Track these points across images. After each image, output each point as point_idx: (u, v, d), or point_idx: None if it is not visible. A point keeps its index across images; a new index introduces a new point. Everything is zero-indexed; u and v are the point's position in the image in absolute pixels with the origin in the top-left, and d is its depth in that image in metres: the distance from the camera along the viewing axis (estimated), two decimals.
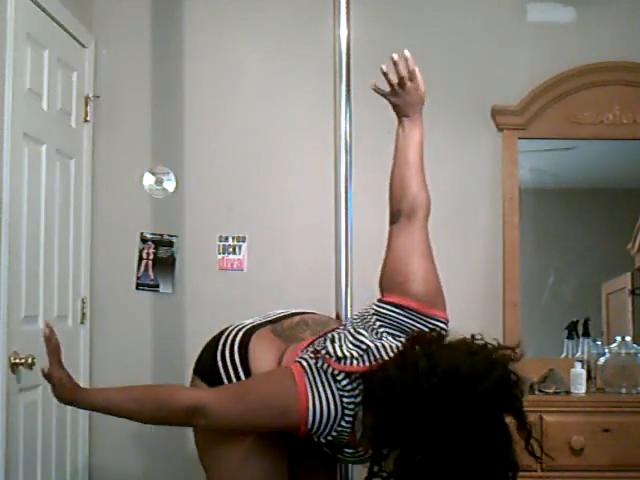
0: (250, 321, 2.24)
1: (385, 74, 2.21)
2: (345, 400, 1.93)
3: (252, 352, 2.13)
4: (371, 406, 1.90)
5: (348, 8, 2.57)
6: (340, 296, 2.45)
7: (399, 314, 2.05)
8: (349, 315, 2.42)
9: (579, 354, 3.52)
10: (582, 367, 3.30)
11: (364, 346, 1.97)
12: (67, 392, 2.02)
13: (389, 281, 2.13)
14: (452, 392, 1.78)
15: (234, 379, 2.10)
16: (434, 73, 3.65)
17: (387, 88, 2.25)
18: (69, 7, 3.30)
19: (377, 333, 2.02)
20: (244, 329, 2.19)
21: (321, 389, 1.94)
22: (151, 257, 3.59)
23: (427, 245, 2.19)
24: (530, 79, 3.60)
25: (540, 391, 3.23)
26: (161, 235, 3.60)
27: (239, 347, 2.14)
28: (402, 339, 1.99)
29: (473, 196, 3.63)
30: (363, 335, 2.00)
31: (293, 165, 3.62)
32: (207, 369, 2.16)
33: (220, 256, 3.59)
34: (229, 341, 2.16)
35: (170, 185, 3.61)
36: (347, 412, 1.93)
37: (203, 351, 2.23)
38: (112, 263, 3.60)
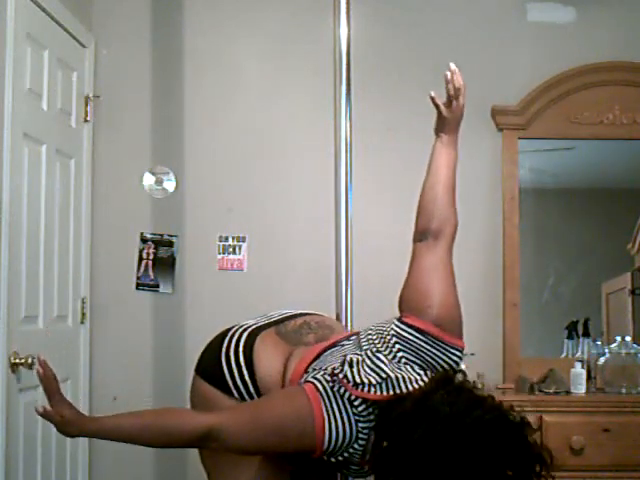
0: (253, 322, 2.22)
1: (447, 82, 2.18)
2: (360, 425, 1.92)
3: (257, 353, 2.11)
4: (382, 435, 1.89)
5: (348, 8, 2.58)
6: (340, 296, 2.46)
7: (419, 339, 2.01)
8: (349, 315, 2.42)
9: (579, 354, 3.52)
10: (582, 367, 3.30)
11: (384, 375, 1.93)
12: (72, 427, 1.94)
13: (410, 301, 2.09)
14: (466, 445, 1.76)
15: (238, 380, 2.09)
16: (434, 73, 3.65)
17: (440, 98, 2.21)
18: (69, 7, 3.30)
19: (395, 357, 1.99)
20: (249, 329, 2.17)
21: (337, 413, 1.92)
22: (151, 257, 3.59)
23: (451, 269, 2.12)
24: (530, 79, 3.60)
25: (540, 391, 3.23)
26: (161, 235, 3.60)
27: (244, 348, 2.12)
28: (422, 373, 1.96)
29: (473, 196, 3.63)
30: (382, 362, 1.96)
31: (293, 165, 3.62)
32: (210, 369, 2.14)
33: (220, 256, 3.59)
34: (234, 341, 2.15)
35: (170, 185, 3.61)
36: (361, 436, 1.92)
37: (205, 350, 2.22)
38: (112, 263, 3.60)
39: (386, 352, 1.99)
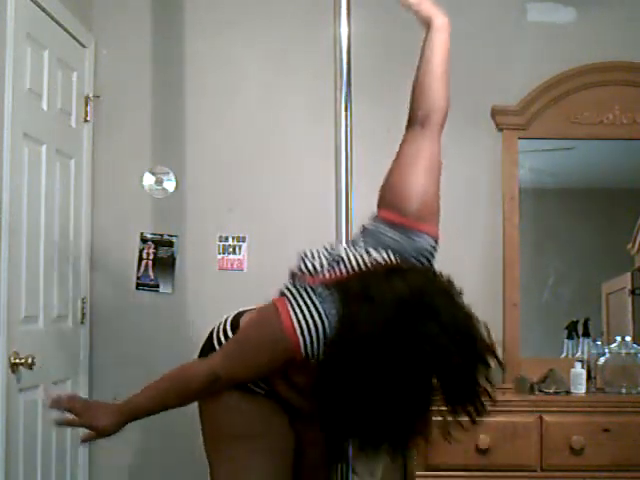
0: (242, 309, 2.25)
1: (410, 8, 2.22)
2: (325, 306, 1.89)
3: (243, 318, 2.14)
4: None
5: (349, 8, 2.58)
6: None
7: (383, 229, 2.01)
8: None
9: (579, 354, 3.52)
10: (582, 367, 3.30)
11: (338, 257, 1.94)
12: (111, 422, 2.09)
13: (384, 193, 2.08)
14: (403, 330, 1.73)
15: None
16: None
17: None
18: (69, 7, 3.30)
19: (358, 245, 1.99)
20: (236, 312, 2.20)
21: (302, 305, 1.90)
22: (151, 257, 3.59)
23: (434, 160, 2.10)
24: (530, 79, 3.60)
25: (540, 391, 3.23)
26: (161, 235, 3.60)
27: (232, 324, 2.14)
28: (384, 254, 1.94)
29: (473, 196, 3.63)
30: (340, 250, 1.97)
31: (293, 165, 3.62)
32: (205, 352, 2.15)
33: (220, 256, 3.59)
34: (222, 323, 2.17)
35: (170, 185, 3.61)
36: (331, 319, 1.87)
37: (202, 346, 2.23)
38: (112, 263, 3.60)
39: (349, 245, 2.01)
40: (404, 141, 2.14)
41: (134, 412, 2.13)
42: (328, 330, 1.87)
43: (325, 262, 1.95)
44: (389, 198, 2.06)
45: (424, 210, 2.04)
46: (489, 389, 1.83)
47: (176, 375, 2.08)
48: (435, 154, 2.13)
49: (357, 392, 1.77)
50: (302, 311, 1.90)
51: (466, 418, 1.87)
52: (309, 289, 1.93)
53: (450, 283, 1.87)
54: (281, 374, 2.02)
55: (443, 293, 1.82)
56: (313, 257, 1.98)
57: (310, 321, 1.89)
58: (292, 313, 1.91)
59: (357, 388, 1.77)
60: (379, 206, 2.08)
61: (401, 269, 1.90)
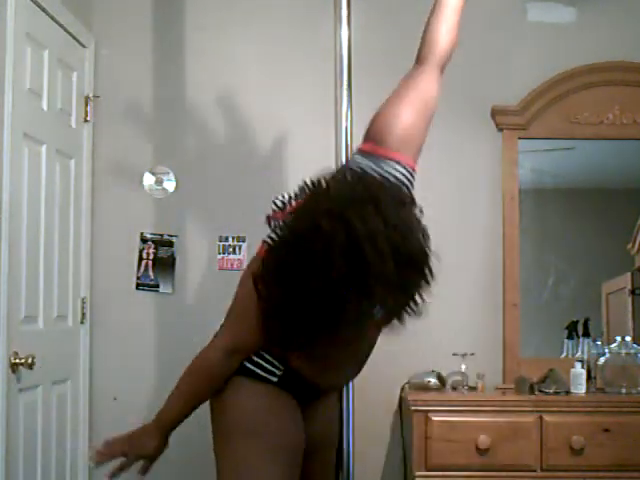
0: None
1: None
2: None
3: None
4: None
5: (349, 9, 2.58)
6: None
7: (356, 159, 2.00)
8: None
9: (579, 354, 3.52)
10: (582, 367, 3.29)
11: (303, 186, 1.94)
12: (157, 442, 2.16)
13: (370, 126, 2.05)
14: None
15: None
16: None
17: None
18: (69, 7, 3.30)
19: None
20: None
21: (274, 237, 1.88)
22: (151, 257, 3.59)
23: (427, 98, 2.07)
24: (530, 79, 3.60)
25: (540, 391, 3.23)
26: (161, 235, 3.60)
27: None
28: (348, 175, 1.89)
29: (473, 196, 3.63)
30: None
31: (294, 165, 3.61)
32: None
33: (220, 256, 3.59)
34: None
35: (170, 185, 3.61)
36: None
37: None
38: (112, 263, 3.60)
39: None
40: (403, 78, 2.13)
41: (172, 421, 2.14)
42: None
43: (292, 194, 1.98)
44: (372, 130, 2.03)
45: (403, 142, 2.00)
46: (421, 293, 1.82)
47: (195, 369, 2.08)
48: (429, 92, 2.10)
49: (297, 281, 1.72)
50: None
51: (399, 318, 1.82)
52: (279, 224, 1.91)
53: (404, 194, 1.87)
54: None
55: (393, 197, 1.79)
56: (283, 196, 2.02)
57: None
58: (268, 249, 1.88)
59: (296, 277, 1.72)
60: (363, 139, 2.06)
61: (360, 176, 1.88)
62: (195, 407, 2.12)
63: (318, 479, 2.30)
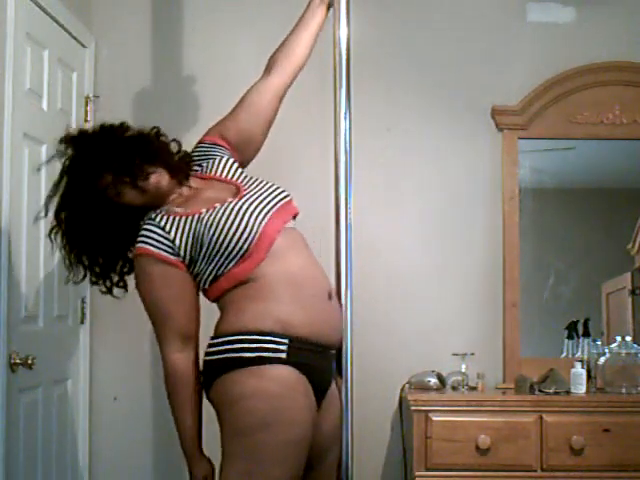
0: None
1: None
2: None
3: None
4: None
5: (348, 8, 2.58)
6: (340, 298, 2.45)
7: None
8: (349, 316, 2.42)
9: (579, 354, 3.53)
10: (582, 367, 3.29)
11: None
12: (195, 468, 2.28)
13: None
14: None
15: None
16: (434, 73, 3.66)
17: None
18: (69, 7, 3.30)
19: None
20: None
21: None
22: None
23: (265, 105, 2.63)
24: (530, 79, 3.60)
25: (540, 391, 3.23)
26: None
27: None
28: None
29: (473, 196, 3.63)
30: None
31: (293, 165, 3.61)
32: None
33: None
34: None
35: None
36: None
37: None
38: None
39: None
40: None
41: (192, 438, 2.27)
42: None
43: None
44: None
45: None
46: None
47: (171, 382, 2.26)
48: (269, 102, 2.63)
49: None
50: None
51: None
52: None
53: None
54: None
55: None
56: None
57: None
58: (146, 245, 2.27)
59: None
60: None
61: None
62: (200, 412, 2.23)
63: (329, 475, 2.35)
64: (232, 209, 2.23)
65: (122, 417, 3.56)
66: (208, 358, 2.22)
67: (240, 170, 2.46)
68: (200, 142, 2.58)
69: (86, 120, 3.52)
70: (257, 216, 2.23)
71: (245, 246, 2.18)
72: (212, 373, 2.20)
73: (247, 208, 2.24)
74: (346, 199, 2.50)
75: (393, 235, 3.59)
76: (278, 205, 2.31)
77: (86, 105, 3.52)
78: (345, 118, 2.51)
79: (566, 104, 3.59)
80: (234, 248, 2.18)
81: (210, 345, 2.22)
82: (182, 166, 2.41)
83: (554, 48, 3.64)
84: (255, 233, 2.19)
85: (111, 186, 2.26)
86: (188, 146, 3.64)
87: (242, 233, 2.18)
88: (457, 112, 3.63)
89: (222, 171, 2.43)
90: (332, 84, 2.55)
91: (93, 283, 2.42)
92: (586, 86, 3.59)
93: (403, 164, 3.62)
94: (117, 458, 3.54)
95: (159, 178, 2.30)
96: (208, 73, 3.65)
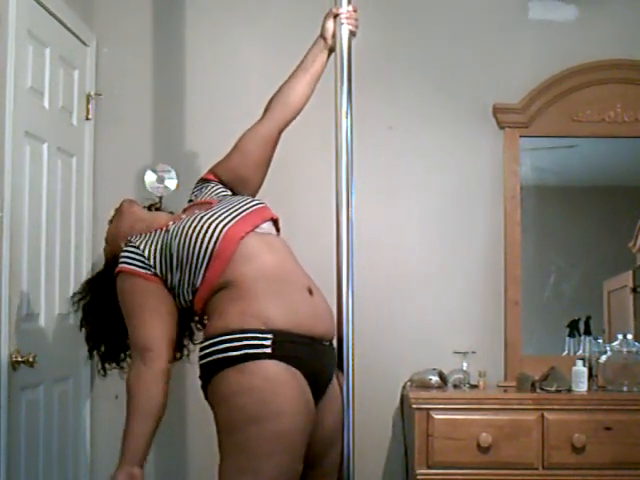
0: None
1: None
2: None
3: None
4: None
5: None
6: (341, 296, 2.45)
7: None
8: (350, 316, 2.42)
9: (580, 352, 3.53)
10: (583, 365, 3.29)
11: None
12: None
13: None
14: None
15: None
16: (435, 71, 3.66)
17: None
18: (71, 5, 3.30)
19: None
20: None
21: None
22: None
23: (262, 150, 2.70)
24: (532, 77, 3.60)
25: (542, 389, 3.23)
26: None
27: None
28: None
29: (474, 194, 3.63)
30: None
31: (293, 164, 3.60)
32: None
33: None
34: None
35: (172, 183, 3.60)
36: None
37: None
38: None
39: None
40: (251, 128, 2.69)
41: (136, 447, 2.28)
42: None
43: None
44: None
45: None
46: None
47: (129, 389, 2.30)
48: (262, 149, 2.70)
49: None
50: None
51: None
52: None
53: None
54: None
55: None
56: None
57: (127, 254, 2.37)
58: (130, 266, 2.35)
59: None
60: None
61: None
62: (151, 426, 2.23)
63: (330, 472, 2.35)
64: (198, 218, 2.31)
65: (123, 415, 3.55)
66: (200, 362, 2.25)
67: (223, 192, 2.57)
68: (198, 180, 2.69)
69: (87, 118, 3.52)
70: (222, 220, 2.29)
71: (210, 246, 2.24)
72: (205, 376, 2.23)
73: (212, 215, 2.31)
74: (347, 197, 2.49)
75: (394, 233, 3.59)
76: (247, 211, 2.37)
77: (87, 103, 3.52)
78: (347, 116, 2.51)
79: (568, 102, 3.59)
80: (199, 251, 2.24)
81: (200, 349, 2.26)
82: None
83: (556, 46, 3.63)
84: (219, 233, 2.25)
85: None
86: (189, 146, 3.67)
87: (204, 235, 2.25)
88: (459, 110, 3.63)
89: (204, 197, 2.55)
90: (333, 83, 2.55)
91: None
92: (588, 84, 3.59)
93: (404, 162, 3.62)
94: (118, 456, 3.53)
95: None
96: (209, 71, 3.65)
